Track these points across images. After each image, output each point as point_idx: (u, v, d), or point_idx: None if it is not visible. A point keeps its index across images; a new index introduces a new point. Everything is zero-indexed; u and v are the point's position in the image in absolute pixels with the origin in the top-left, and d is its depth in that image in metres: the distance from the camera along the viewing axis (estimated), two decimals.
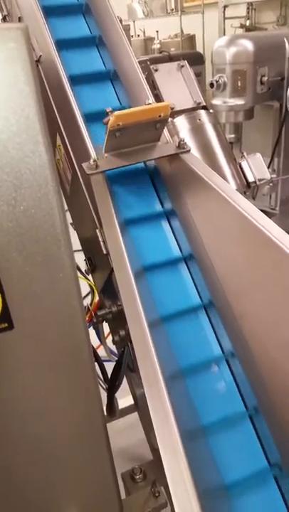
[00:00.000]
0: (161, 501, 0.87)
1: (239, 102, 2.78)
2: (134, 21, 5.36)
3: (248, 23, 4.46)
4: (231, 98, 2.79)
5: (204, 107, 1.20)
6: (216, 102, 2.87)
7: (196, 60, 4.30)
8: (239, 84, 2.75)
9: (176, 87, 1.21)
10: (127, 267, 0.80)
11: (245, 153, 1.15)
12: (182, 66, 1.25)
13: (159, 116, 0.90)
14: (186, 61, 1.26)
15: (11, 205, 0.39)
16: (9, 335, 0.42)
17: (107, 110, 0.97)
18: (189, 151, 0.98)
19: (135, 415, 1.32)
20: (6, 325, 0.40)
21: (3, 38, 0.37)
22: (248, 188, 1.25)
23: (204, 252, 0.95)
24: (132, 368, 0.96)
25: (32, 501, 0.53)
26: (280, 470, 0.78)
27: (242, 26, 4.45)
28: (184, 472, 0.57)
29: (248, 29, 4.42)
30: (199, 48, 4.92)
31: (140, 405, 1.07)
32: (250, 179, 1.16)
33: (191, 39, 4.97)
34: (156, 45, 4.90)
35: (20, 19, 1.16)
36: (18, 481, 0.51)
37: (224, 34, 4.02)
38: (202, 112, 1.18)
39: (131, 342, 0.92)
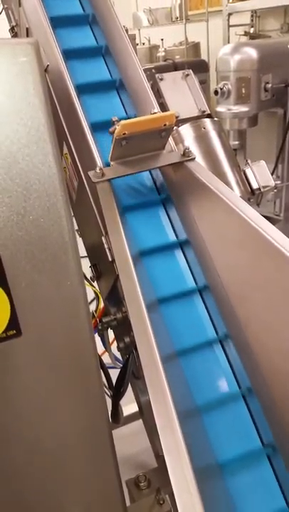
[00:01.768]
0: (166, 509, 0.87)
1: (243, 109, 2.81)
2: (139, 30, 5.42)
3: (252, 30, 4.49)
4: (235, 105, 2.81)
5: (209, 115, 1.22)
6: (220, 109, 2.89)
7: (200, 67, 4.33)
8: (243, 92, 2.78)
9: (181, 95, 1.22)
10: (132, 274, 0.81)
11: (249, 161, 1.16)
12: (187, 75, 1.27)
13: (164, 125, 0.92)
14: (191, 70, 1.28)
15: (20, 214, 0.40)
16: (17, 342, 0.43)
17: (113, 119, 0.98)
18: (194, 159, 0.99)
19: (139, 422, 1.32)
20: (14, 332, 0.41)
21: (14, 53, 0.39)
22: (253, 195, 1.26)
23: (209, 259, 0.96)
24: (136, 375, 0.96)
25: (36, 507, 0.53)
26: (273, 450, 0.79)
27: (246, 34, 4.48)
28: (188, 478, 0.57)
29: (252, 37, 4.45)
30: (204, 56, 4.96)
31: (145, 412, 1.07)
32: (255, 186, 1.16)
33: (195, 47, 5.01)
34: (161, 53, 4.94)
35: (28, 30, 1.18)
36: (23, 487, 0.51)
37: (228, 42, 4.05)
38: (207, 120, 1.19)
39: (136, 349, 0.92)
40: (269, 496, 0.79)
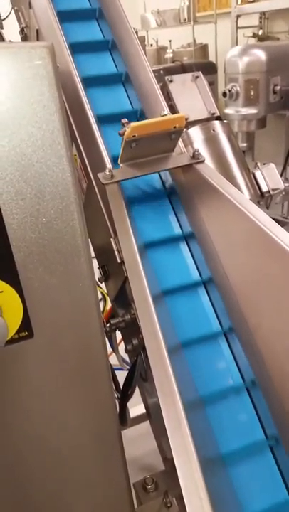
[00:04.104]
0: (174, 511, 0.87)
1: (252, 111, 2.80)
2: (147, 31, 5.43)
3: (260, 32, 4.48)
4: (244, 107, 2.81)
5: (218, 118, 1.21)
6: (229, 111, 2.89)
7: (208, 69, 4.32)
8: (252, 94, 2.77)
9: (191, 97, 1.22)
10: (141, 277, 0.81)
11: (258, 163, 1.16)
12: (197, 77, 1.27)
13: (174, 127, 0.91)
14: (200, 72, 1.28)
15: (34, 216, 0.40)
16: (29, 343, 0.43)
17: (123, 121, 0.98)
18: (203, 161, 0.99)
19: (145, 425, 1.32)
20: (27, 333, 0.41)
21: (29, 56, 0.39)
22: (262, 198, 1.25)
23: (218, 261, 0.95)
24: (144, 377, 0.96)
25: (45, 509, 0.53)
26: (276, 441, 0.80)
27: (254, 36, 4.47)
28: (198, 482, 0.57)
29: (260, 38, 4.44)
30: (212, 57, 4.96)
31: (152, 414, 1.06)
32: (264, 189, 1.16)
33: (203, 48, 5.01)
34: (169, 55, 4.95)
35: (38, 31, 1.19)
36: (32, 488, 0.52)
37: (237, 43, 4.05)
38: (216, 122, 1.19)
39: (144, 351, 0.92)
40: (271, 487, 0.79)
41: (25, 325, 0.41)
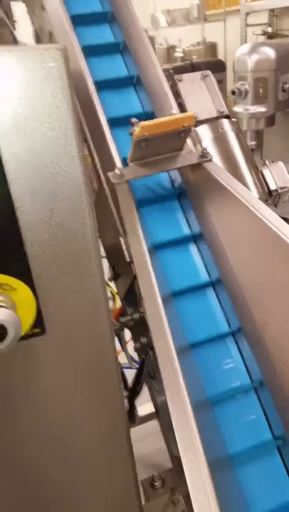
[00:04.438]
0: (180, 509, 0.87)
1: (260, 109, 2.78)
2: (157, 30, 5.42)
3: (269, 30, 4.44)
4: (253, 105, 2.79)
5: (227, 116, 1.21)
6: (238, 109, 2.87)
7: (217, 67, 4.30)
8: (261, 92, 2.75)
9: (200, 96, 1.22)
10: (150, 276, 0.82)
11: (267, 162, 1.16)
12: (206, 76, 1.27)
13: (183, 126, 0.92)
14: (209, 71, 1.28)
15: (47, 216, 0.41)
16: (41, 340, 0.44)
17: (132, 121, 0.99)
18: (211, 159, 0.99)
19: (152, 423, 1.32)
20: (39, 330, 0.42)
21: (43, 58, 0.39)
22: (270, 197, 1.25)
23: (226, 260, 0.96)
24: (152, 375, 0.97)
25: (55, 505, 0.54)
26: (284, 442, 0.80)
27: (264, 33, 4.43)
28: (205, 480, 0.57)
29: (269, 36, 4.41)
30: (221, 56, 4.93)
31: (161, 413, 1.07)
32: (272, 187, 1.15)
33: (213, 47, 4.98)
34: (178, 54, 4.93)
35: (51, 34, 1.20)
36: (41, 484, 0.52)
37: (246, 41, 4.02)
38: (225, 120, 1.19)
39: (152, 349, 0.93)
40: (279, 488, 0.80)
41: (38, 322, 0.42)
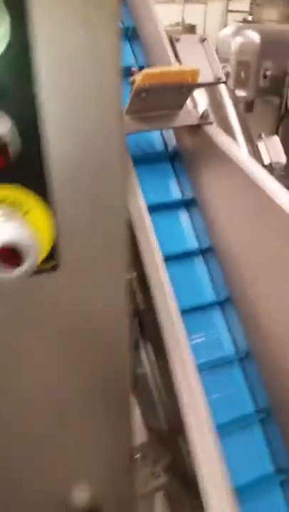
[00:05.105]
0: (161, 481, 0.84)
1: (241, 93, 2.76)
2: None
3: (250, 18, 4.44)
4: (233, 89, 2.77)
5: (224, 83, 1.16)
6: None
7: None
8: (242, 76, 2.73)
9: (198, 59, 1.16)
10: (150, 234, 0.77)
11: (263, 134, 1.12)
12: (204, 39, 1.20)
13: (187, 80, 0.86)
14: (208, 35, 1.21)
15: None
16: (55, 276, 0.37)
17: (133, 69, 0.91)
18: (212, 123, 0.94)
19: None
20: (55, 263, 0.35)
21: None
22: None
23: (221, 228, 0.92)
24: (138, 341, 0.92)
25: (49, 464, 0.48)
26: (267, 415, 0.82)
27: (244, 21, 4.43)
28: (209, 437, 0.55)
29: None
30: None
31: (139, 385, 1.03)
32: (266, 161, 1.13)
33: (192, 29, 4.91)
34: None
35: None
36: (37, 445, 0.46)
37: (226, 26, 3.99)
38: (222, 86, 1.14)
39: (139, 314, 0.88)
40: (258, 460, 0.81)
41: (53, 254, 0.35)
